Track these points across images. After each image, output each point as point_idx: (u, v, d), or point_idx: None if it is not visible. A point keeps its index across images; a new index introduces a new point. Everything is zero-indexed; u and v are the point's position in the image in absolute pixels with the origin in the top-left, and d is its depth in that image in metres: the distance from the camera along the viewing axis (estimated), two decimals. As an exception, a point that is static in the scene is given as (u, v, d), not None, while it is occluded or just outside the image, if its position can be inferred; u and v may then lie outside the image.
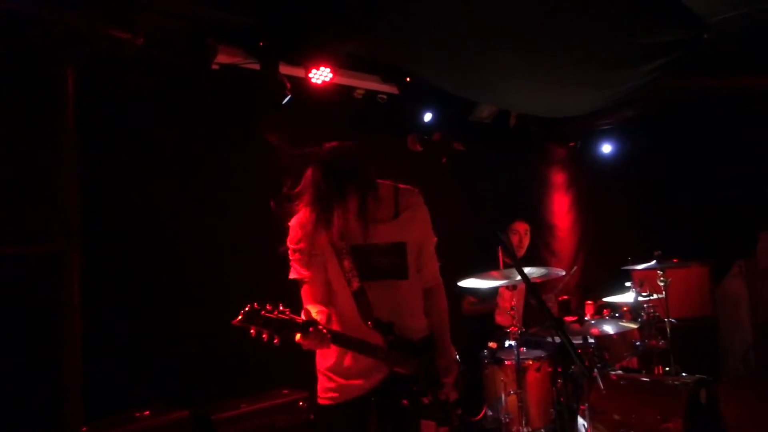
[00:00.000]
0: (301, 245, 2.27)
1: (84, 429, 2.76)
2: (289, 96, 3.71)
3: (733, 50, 4.71)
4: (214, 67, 3.65)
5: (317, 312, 2.23)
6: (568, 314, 5.52)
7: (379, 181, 2.36)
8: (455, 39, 3.62)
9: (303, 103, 3.95)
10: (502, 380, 4.03)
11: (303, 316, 2.08)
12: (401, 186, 2.44)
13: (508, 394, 3.98)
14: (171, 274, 3.42)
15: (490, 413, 4.18)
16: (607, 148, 6.41)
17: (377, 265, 2.31)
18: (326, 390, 2.35)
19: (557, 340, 4.48)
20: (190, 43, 3.49)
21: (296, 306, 2.19)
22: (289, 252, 2.32)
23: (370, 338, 2.25)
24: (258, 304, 1.94)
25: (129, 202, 3.33)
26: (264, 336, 1.92)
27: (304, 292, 2.33)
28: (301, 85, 3.93)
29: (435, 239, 2.52)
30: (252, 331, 1.92)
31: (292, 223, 2.31)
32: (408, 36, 3.56)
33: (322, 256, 2.29)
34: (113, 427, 2.83)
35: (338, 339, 2.16)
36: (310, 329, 2.01)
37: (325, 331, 2.07)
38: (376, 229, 2.30)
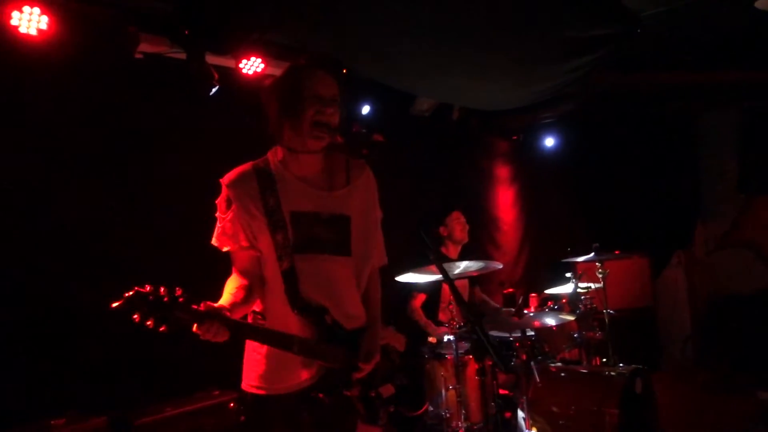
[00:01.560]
0: (230, 212, 2.07)
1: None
2: (217, 87, 3.58)
3: (665, 45, 4.79)
4: (138, 56, 3.50)
5: (235, 289, 2.04)
6: (513, 306, 5.55)
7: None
8: (387, 31, 3.57)
9: (234, 94, 3.83)
10: (443, 375, 4.00)
11: (203, 306, 1.86)
12: (353, 158, 2.21)
13: (447, 389, 3.95)
14: (89, 272, 3.25)
15: (431, 408, 4.15)
16: (549, 142, 6.48)
17: (317, 237, 2.10)
18: (256, 377, 2.14)
19: (501, 334, 4.50)
20: (111, 31, 3.33)
21: (208, 294, 1.98)
22: (218, 215, 2.12)
23: (293, 326, 2.05)
24: (149, 287, 1.74)
25: (35, 192, 3.15)
26: (149, 323, 1.72)
27: (234, 266, 2.13)
28: (232, 76, 3.80)
29: (380, 215, 2.34)
30: (135, 316, 1.71)
31: (224, 180, 2.11)
32: (338, 25, 3.49)
33: (253, 223, 2.07)
34: (25, 438, 2.67)
35: (242, 331, 1.95)
36: (206, 321, 1.81)
37: (222, 326, 1.83)
38: (322, 197, 2.13)
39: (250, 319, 2.16)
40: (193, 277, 2.19)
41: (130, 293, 1.72)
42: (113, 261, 3.33)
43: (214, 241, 2.12)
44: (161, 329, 1.73)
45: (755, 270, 6.58)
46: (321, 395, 2.10)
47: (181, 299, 1.77)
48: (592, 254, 4.61)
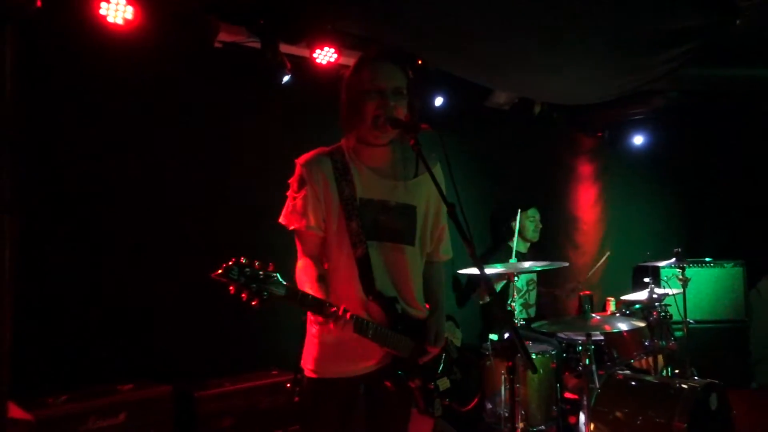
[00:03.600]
0: (304, 191, 2.08)
1: (64, 397, 2.81)
2: (289, 75, 3.67)
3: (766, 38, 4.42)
4: (217, 45, 3.64)
5: (312, 275, 2.05)
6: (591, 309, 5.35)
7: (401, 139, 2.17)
8: (460, 22, 3.50)
9: (307, 83, 3.91)
10: (502, 373, 3.93)
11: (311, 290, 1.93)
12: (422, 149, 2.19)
13: (507, 388, 3.87)
14: (158, 251, 3.43)
15: (489, 406, 4.10)
16: (638, 140, 6.16)
17: (383, 224, 2.13)
18: (313, 361, 2.18)
19: (565, 336, 4.37)
20: (192, 19, 3.49)
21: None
22: (290, 197, 2.14)
23: (365, 313, 2.08)
24: (245, 259, 1.77)
25: (110, 178, 3.32)
26: (243, 295, 1.75)
27: (300, 246, 2.15)
28: (306, 66, 3.88)
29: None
30: (231, 288, 1.74)
31: (300, 160, 2.13)
32: (412, 16, 3.47)
33: (326, 207, 2.10)
34: (96, 397, 2.85)
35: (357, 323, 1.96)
36: (332, 309, 1.86)
37: (348, 316, 1.89)
38: (391, 186, 2.16)
39: None
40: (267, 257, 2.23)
41: (230, 263, 1.74)
42: (185, 240, 3.52)
43: (282, 219, 2.16)
44: (254, 303, 1.76)
45: None
46: (388, 383, 2.14)
47: (275, 275, 1.81)
48: (673, 260, 4.37)
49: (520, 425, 3.74)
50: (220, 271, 1.73)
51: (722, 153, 6.31)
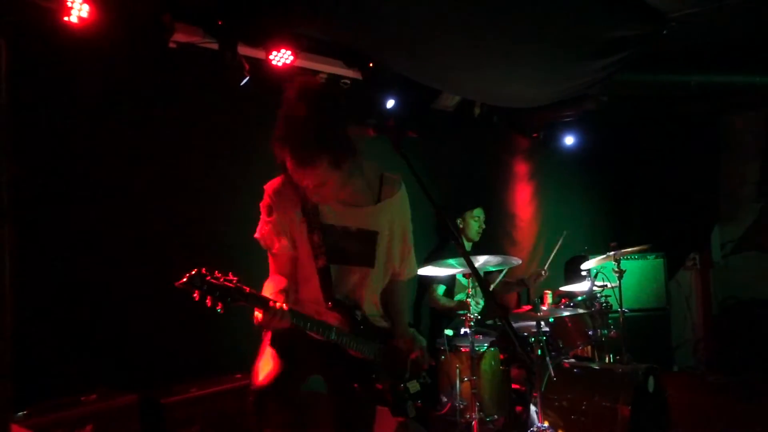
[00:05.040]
0: (273, 217, 2.21)
1: (24, 413, 2.69)
2: (248, 77, 3.65)
3: (691, 46, 4.80)
4: (172, 45, 3.57)
5: (275, 286, 2.17)
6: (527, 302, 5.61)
7: (363, 160, 2.25)
8: (415, 25, 3.61)
9: (263, 85, 3.89)
10: (458, 367, 4.07)
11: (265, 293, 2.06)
12: (386, 173, 2.36)
13: (462, 381, 4.02)
14: (117, 252, 3.34)
15: (445, 400, 4.23)
16: (569, 140, 6.49)
17: (345, 249, 2.25)
18: (264, 370, 2.29)
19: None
20: (147, 20, 3.41)
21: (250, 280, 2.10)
22: (262, 215, 2.26)
23: (328, 318, 2.19)
24: (206, 270, 1.89)
25: (75, 183, 3.22)
26: (208, 302, 1.86)
27: (271, 263, 2.29)
28: (262, 67, 3.87)
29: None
30: (195, 294, 1.85)
31: (267, 187, 2.25)
32: (367, 20, 3.54)
33: (293, 227, 2.22)
34: (57, 411, 2.76)
35: (295, 316, 2.07)
36: (271, 304, 1.98)
37: (285, 307, 2.01)
38: (352, 213, 2.25)
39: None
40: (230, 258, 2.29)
41: (193, 272, 1.86)
42: (144, 245, 3.43)
43: (257, 235, 2.27)
44: (218, 308, 1.88)
45: (771, 275, 6.59)
46: (356, 385, 2.23)
47: (238, 283, 1.93)
48: (609, 253, 4.65)
49: (476, 416, 3.87)
50: (183, 280, 1.86)
51: (645, 153, 6.77)
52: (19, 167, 2.07)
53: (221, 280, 1.90)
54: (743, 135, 6.83)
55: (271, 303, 1.99)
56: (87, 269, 3.22)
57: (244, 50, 3.77)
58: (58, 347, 3.08)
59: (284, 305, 2.01)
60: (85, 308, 3.19)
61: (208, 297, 1.86)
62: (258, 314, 2.05)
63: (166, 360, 3.44)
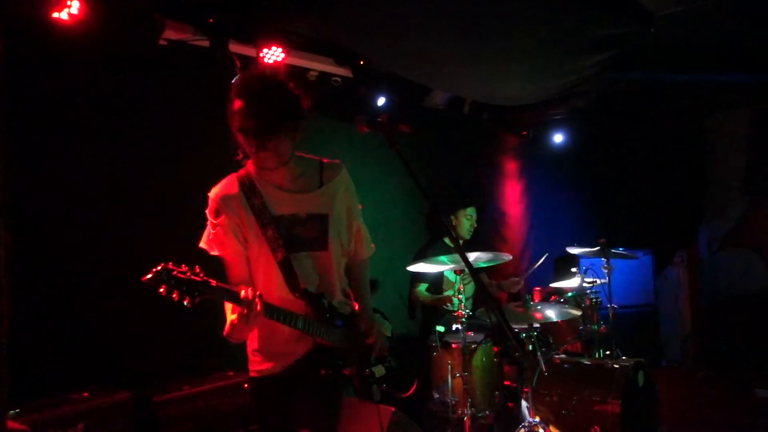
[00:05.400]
0: (221, 219, 2.21)
1: (17, 410, 2.68)
2: (239, 75, 3.64)
3: (679, 45, 4.84)
4: (162, 42, 3.56)
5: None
6: (518, 298, 5.64)
7: (302, 154, 2.34)
8: (404, 22, 3.62)
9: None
10: (449, 363, 4.09)
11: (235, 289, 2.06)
12: (325, 160, 2.40)
13: (454, 377, 4.04)
14: (110, 256, 3.33)
15: (437, 396, 4.25)
16: (558, 138, 6.53)
17: (299, 235, 2.27)
18: (255, 366, 2.36)
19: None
20: (137, 18, 3.40)
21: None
22: (209, 225, 2.26)
23: (295, 308, 2.21)
24: (172, 264, 1.90)
25: (65, 182, 3.21)
26: (174, 296, 1.87)
27: (227, 271, 2.28)
28: (252, 65, 3.86)
29: (360, 208, 2.50)
30: (162, 289, 1.86)
31: (212, 194, 2.26)
32: (358, 18, 3.55)
33: (243, 227, 2.22)
34: (49, 409, 2.75)
35: (265, 306, 2.09)
36: (241, 295, 2.00)
37: (257, 294, 2.03)
38: (298, 199, 2.28)
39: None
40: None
41: (159, 267, 1.88)
42: (136, 244, 3.42)
43: (202, 245, 2.28)
44: (185, 302, 1.89)
45: (756, 271, 6.66)
46: (323, 371, 2.27)
47: (205, 277, 1.95)
48: (598, 250, 4.69)
49: (468, 411, 3.89)
50: (149, 275, 1.87)
51: (633, 151, 6.82)
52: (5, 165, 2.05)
53: (188, 274, 1.91)
54: (729, 133, 6.90)
55: (242, 294, 2.01)
56: (79, 268, 3.22)
57: (235, 48, 3.77)
58: (49, 346, 3.07)
59: (256, 292, 2.03)
60: (77, 307, 3.19)
61: (175, 291, 1.87)
62: (231, 316, 2.09)
63: (159, 358, 3.44)
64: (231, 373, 3.49)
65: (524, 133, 6.28)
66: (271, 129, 2.12)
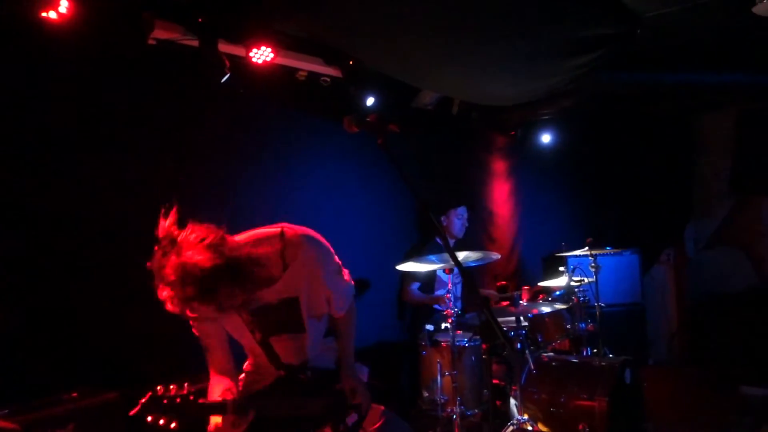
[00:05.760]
0: (195, 314, 2.12)
1: (5, 411, 2.67)
2: (228, 75, 3.65)
3: (665, 45, 4.90)
4: (151, 42, 3.56)
5: (223, 387, 2.26)
6: (506, 298, 5.68)
7: (258, 237, 2.26)
8: (392, 22, 3.64)
9: (243, 83, 3.90)
10: (438, 362, 4.11)
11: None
12: (287, 236, 2.28)
13: (443, 376, 4.06)
14: (97, 252, 3.32)
15: (426, 394, 4.27)
16: (546, 138, 6.57)
17: (274, 320, 2.31)
18: None
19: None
20: (126, 17, 3.40)
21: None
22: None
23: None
24: (162, 389, 1.94)
25: (52, 182, 3.20)
26: (162, 422, 1.91)
27: (208, 360, 2.34)
28: (242, 65, 3.87)
29: (335, 266, 2.45)
30: (149, 419, 1.90)
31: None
32: (346, 17, 3.57)
33: (219, 323, 2.27)
34: (37, 410, 2.73)
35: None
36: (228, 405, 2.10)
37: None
38: (267, 290, 2.23)
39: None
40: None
41: (145, 398, 1.93)
42: (126, 244, 3.40)
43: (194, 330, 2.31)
44: (172, 426, 1.93)
45: (743, 269, 6.74)
46: None
47: (191, 397, 1.99)
48: (586, 249, 4.74)
49: (457, 410, 3.91)
50: (137, 409, 1.92)
51: (620, 151, 6.88)
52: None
53: (176, 398, 1.95)
54: (715, 133, 6.98)
55: (229, 403, 2.10)
56: (68, 269, 3.21)
57: (224, 47, 3.78)
58: (37, 347, 3.05)
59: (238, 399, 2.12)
60: (66, 308, 3.17)
61: (162, 419, 1.92)
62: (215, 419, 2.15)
63: (148, 359, 3.43)
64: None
65: (512, 133, 6.31)
66: (209, 296, 1.95)
